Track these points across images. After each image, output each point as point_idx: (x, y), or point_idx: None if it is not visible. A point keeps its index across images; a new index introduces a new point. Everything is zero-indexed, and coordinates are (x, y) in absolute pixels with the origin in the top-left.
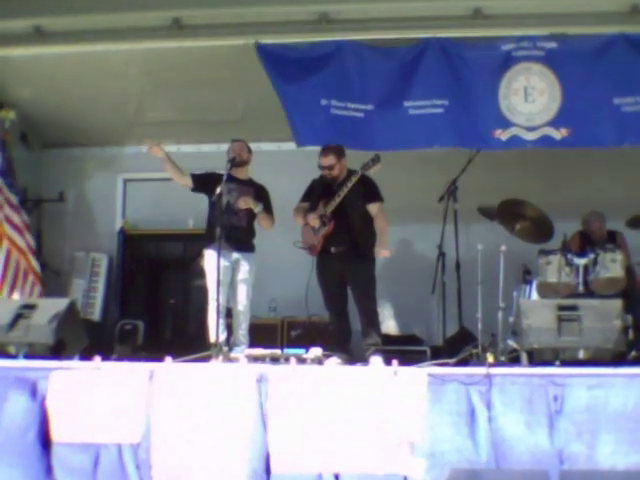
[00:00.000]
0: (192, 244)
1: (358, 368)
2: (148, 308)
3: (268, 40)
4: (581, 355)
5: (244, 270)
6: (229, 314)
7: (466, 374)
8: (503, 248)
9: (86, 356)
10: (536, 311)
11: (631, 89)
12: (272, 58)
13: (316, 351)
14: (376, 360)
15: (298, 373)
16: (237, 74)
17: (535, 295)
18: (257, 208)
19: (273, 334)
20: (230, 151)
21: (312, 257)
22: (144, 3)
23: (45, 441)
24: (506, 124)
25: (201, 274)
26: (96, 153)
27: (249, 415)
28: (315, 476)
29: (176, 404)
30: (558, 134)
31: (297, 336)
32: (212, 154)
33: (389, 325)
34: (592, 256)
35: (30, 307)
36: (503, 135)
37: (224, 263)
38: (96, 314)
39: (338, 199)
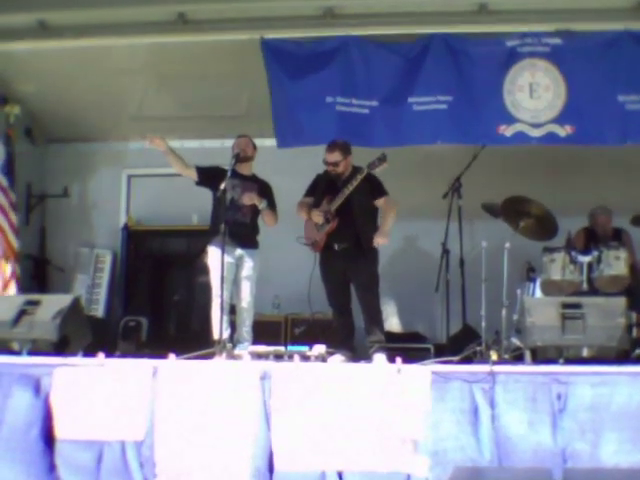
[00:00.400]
0: (196, 240)
1: (362, 365)
2: (152, 304)
3: (272, 35)
4: (585, 353)
5: (248, 267)
6: (233, 311)
7: (470, 372)
8: (507, 245)
9: (90, 353)
10: (540, 309)
11: (635, 86)
12: (276, 53)
13: (320, 348)
14: (380, 358)
15: (301, 370)
16: (241, 69)
17: (539, 293)
18: (261, 204)
19: (277, 331)
20: (235, 146)
21: (315, 254)
22: None
23: (48, 438)
24: (510, 120)
25: (205, 270)
26: (100, 148)
27: (252, 412)
28: (318, 474)
29: (179, 401)
30: (563, 131)
31: (301, 333)
32: (216, 150)
33: (392, 322)
34: (596, 254)
35: (34, 303)
36: (507, 131)
37: (228, 259)
38: (100, 310)
39: (343, 196)
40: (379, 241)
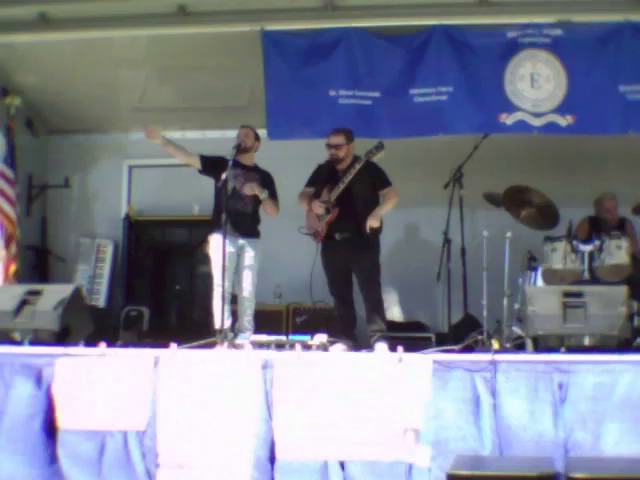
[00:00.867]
0: (197, 230)
1: (363, 355)
2: (153, 294)
3: (273, 27)
4: (586, 342)
5: (249, 256)
6: (234, 300)
7: (471, 361)
8: (509, 235)
9: (91, 342)
10: (541, 298)
11: (636, 77)
12: (277, 45)
13: (321, 337)
14: (381, 347)
15: (303, 360)
16: (243, 61)
17: (540, 282)
18: (263, 195)
19: (278, 320)
20: (237, 137)
21: (316, 243)
22: None
23: (50, 429)
24: (511, 108)
25: (206, 260)
26: (101, 139)
27: (254, 402)
28: (320, 464)
29: (181, 391)
30: (564, 121)
31: (302, 323)
32: (217, 140)
33: (394, 312)
34: (598, 243)
35: (35, 293)
36: (508, 119)
37: (229, 249)
38: (101, 300)
39: (342, 185)
40: (371, 223)
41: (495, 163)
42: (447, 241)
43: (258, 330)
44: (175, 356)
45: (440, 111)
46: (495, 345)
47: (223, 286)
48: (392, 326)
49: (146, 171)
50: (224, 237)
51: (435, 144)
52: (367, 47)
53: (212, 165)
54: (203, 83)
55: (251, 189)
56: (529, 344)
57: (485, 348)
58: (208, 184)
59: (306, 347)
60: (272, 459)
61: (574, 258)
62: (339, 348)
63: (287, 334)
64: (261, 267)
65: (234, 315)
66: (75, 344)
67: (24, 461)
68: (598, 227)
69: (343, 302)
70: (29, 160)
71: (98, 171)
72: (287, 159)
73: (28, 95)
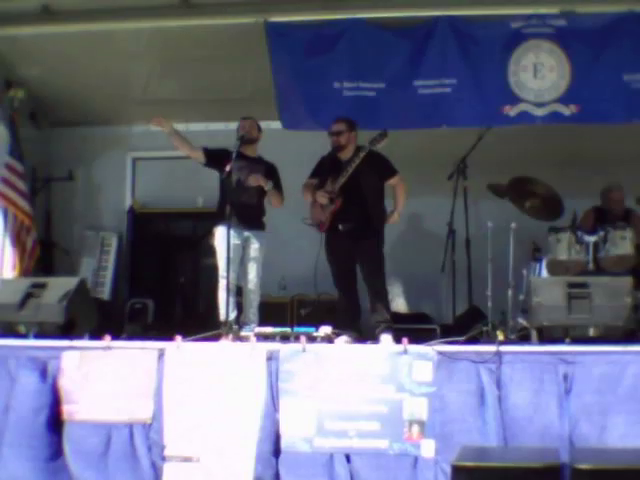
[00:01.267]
0: (201, 222)
1: (368, 346)
2: (158, 287)
3: (277, 18)
4: (591, 332)
5: (254, 248)
6: (239, 292)
7: (476, 352)
8: (513, 226)
9: (96, 335)
10: (546, 288)
11: None
12: (281, 36)
13: (326, 329)
14: (386, 338)
15: (308, 351)
16: (246, 52)
17: (545, 273)
18: (267, 186)
19: (283, 312)
20: (240, 129)
21: (321, 235)
22: None
23: (56, 422)
24: (515, 100)
25: (211, 252)
26: (105, 132)
27: (259, 394)
28: (326, 456)
29: (186, 383)
30: (567, 110)
31: (307, 314)
32: (221, 132)
33: (399, 303)
34: (602, 233)
35: (40, 286)
36: (512, 111)
37: (234, 241)
38: (106, 293)
39: (347, 174)
40: (393, 222)
41: (499, 154)
42: (451, 232)
43: (263, 322)
44: (180, 348)
45: (444, 103)
46: (500, 336)
47: (228, 278)
48: (396, 317)
49: (150, 163)
50: (229, 229)
51: (439, 135)
52: (371, 39)
53: (216, 158)
54: (206, 75)
55: (256, 180)
56: (534, 335)
57: (490, 339)
58: (212, 176)
59: (311, 339)
60: (277, 452)
61: (579, 249)
62: (344, 340)
63: (292, 326)
64: (266, 259)
65: (239, 307)
66: (80, 337)
67: (30, 455)
68: (603, 218)
69: (347, 294)
70: (33, 153)
71: (102, 164)
72: (291, 151)
73: (31, 88)
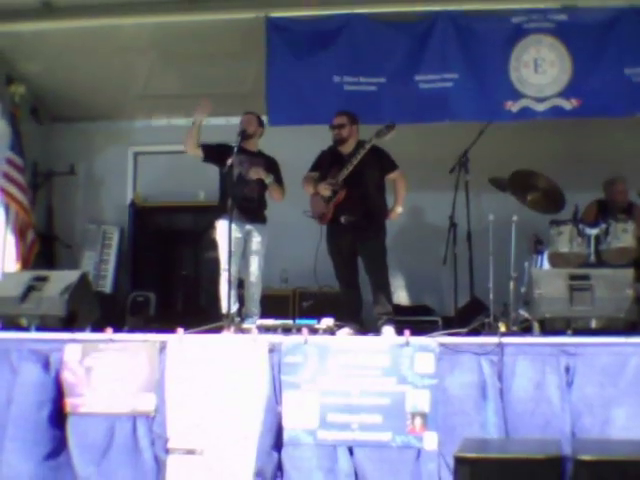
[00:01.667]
0: (203, 216)
1: (370, 338)
2: (160, 280)
3: (278, 14)
4: (593, 324)
5: (256, 241)
6: (241, 285)
7: (478, 344)
8: (515, 219)
9: (98, 328)
10: (548, 280)
11: None
12: (282, 32)
13: (328, 321)
14: (388, 330)
15: (310, 344)
16: (247, 48)
17: (547, 265)
18: (268, 179)
19: (284, 305)
20: (241, 123)
21: (322, 227)
22: None
23: (59, 416)
24: (517, 95)
25: (213, 246)
26: (106, 127)
27: (261, 386)
28: (329, 449)
29: (188, 376)
30: (568, 104)
31: (308, 307)
32: (222, 127)
33: (400, 296)
34: (604, 226)
35: (42, 279)
36: (514, 107)
37: (236, 234)
38: (108, 286)
39: (351, 167)
40: (394, 217)
41: (501, 148)
42: (453, 225)
43: (264, 315)
44: (182, 341)
45: (445, 98)
46: (502, 328)
47: (229, 271)
48: (398, 310)
49: (151, 158)
50: (230, 222)
51: (441, 129)
52: (371, 33)
53: (215, 153)
54: (208, 70)
55: (256, 173)
56: (536, 327)
57: (492, 331)
58: (213, 170)
59: (313, 331)
60: (280, 445)
61: (580, 242)
62: (345, 332)
63: (293, 318)
64: (267, 252)
65: (241, 300)
66: (82, 330)
67: (33, 449)
68: (605, 211)
69: (349, 286)
70: (34, 148)
71: (103, 158)
72: (291, 145)
73: (33, 83)
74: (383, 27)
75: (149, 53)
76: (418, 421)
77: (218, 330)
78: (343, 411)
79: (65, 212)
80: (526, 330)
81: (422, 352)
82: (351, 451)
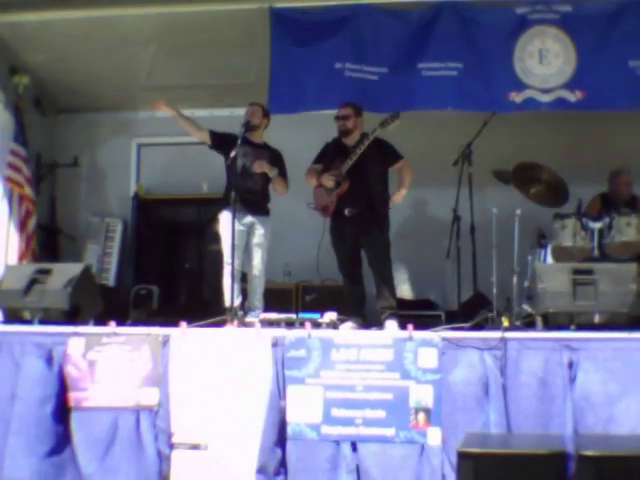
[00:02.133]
0: (206, 209)
1: (373, 332)
2: (163, 273)
3: (282, 4)
4: (596, 319)
5: (259, 234)
6: (244, 279)
7: (481, 338)
8: (518, 212)
9: (101, 321)
10: (551, 275)
11: None
12: (285, 22)
13: (331, 315)
14: (391, 324)
15: (313, 338)
16: (251, 38)
17: (550, 259)
18: (272, 172)
19: (288, 299)
20: (245, 114)
21: (325, 220)
22: None
23: (62, 411)
24: (521, 86)
25: (216, 238)
26: (110, 118)
27: (264, 380)
28: (332, 444)
29: (191, 369)
30: (573, 97)
31: (311, 300)
32: (226, 119)
33: (403, 289)
34: (607, 220)
35: (45, 272)
36: (518, 97)
37: (239, 227)
38: (111, 279)
39: (354, 157)
40: (396, 200)
41: (505, 140)
42: (456, 218)
43: (267, 308)
44: (185, 335)
45: (449, 85)
46: (505, 323)
47: (233, 264)
48: (401, 304)
49: (155, 149)
50: (234, 215)
51: (444, 121)
52: (375, 23)
53: (222, 141)
54: (212, 61)
55: (261, 167)
56: (539, 322)
57: (495, 326)
58: (217, 162)
59: (316, 325)
60: (283, 440)
61: (584, 235)
62: (349, 326)
63: (297, 312)
64: (271, 245)
65: (244, 293)
66: (85, 323)
67: (36, 445)
68: (609, 205)
69: (353, 279)
70: (38, 139)
71: (107, 150)
72: (295, 137)
73: (36, 74)
74: (387, 18)
75: (153, 44)
76: (421, 416)
77: (221, 324)
78: (347, 406)
79: (68, 204)
80: (529, 325)
81: (425, 347)
82: (355, 446)
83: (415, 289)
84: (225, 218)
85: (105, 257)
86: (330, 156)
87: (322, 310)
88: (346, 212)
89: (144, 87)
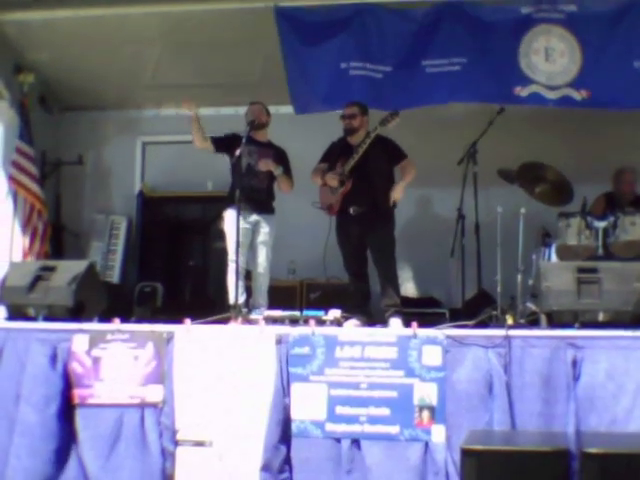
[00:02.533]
0: (211, 206)
1: (377, 330)
2: (167, 270)
3: (286, 3)
4: (601, 317)
5: (264, 232)
6: (248, 276)
7: (485, 336)
8: (523, 211)
9: (105, 318)
10: (555, 273)
11: None
12: (290, 21)
13: (335, 313)
14: (395, 322)
15: (317, 335)
16: (255, 37)
17: (554, 258)
18: (277, 171)
19: (292, 296)
20: (249, 114)
21: (331, 219)
22: None
23: (67, 409)
24: (526, 81)
25: (221, 236)
26: (115, 116)
27: (268, 377)
28: (337, 441)
29: (196, 366)
30: (578, 95)
31: (316, 298)
32: (231, 117)
33: (408, 287)
34: (612, 219)
35: (49, 269)
36: (523, 92)
37: (244, 225)
38: (115, 276)
39: (357, 156)
40: (394, 196)
41: (510, 139)
42: (461, 217)
43: (272, 306)
44: (189, 332)
45: (452, 79)
46: (509, 321)
47: (237, 262)
48: (406, 302)
49: (160, 147)
50: (238, 213)
51: (449, 120)
52: (380, 22)
53: (225, 144)
54: (216, 59)
55: (266, 165)
56: (543, 320)
57: (499, 324)
58: (222, 160)
59: (320, 322)
60: (287, 437)
61: (588, 234)
62: (353, 323)
63: (301, 309)
64: (275, 243)
65: (248, 291)
66: (89, 320)
67: (41, 445)
68: (614, 204)
69: (357, 277)
70: (43, 137)
71: (112, 148)
72: (300, 135)
73: (41, 72)
74: (391, 16)
75: (158, 42)
76: (426, 414)
77: (225, 321)
78: (351, 404)
79: (73, 202)
80: (533, 323)
81: (429, 344)
82: (359, 444)
83: (419, 287)
84: (230, 216)
85: (110, 254)
86: (335, 155)
87: (326, 308)
88: (351, 211)
89: (149, 85)
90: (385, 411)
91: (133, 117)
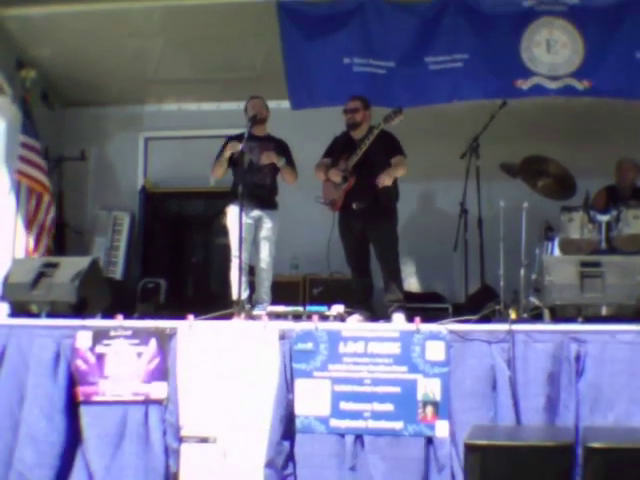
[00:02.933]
0: (213, 202)
1: (380, 325)
2: (170, 266)
3: None
4: (604, 311)
5: (267, 227)
6: (251, 272)
7: (488, 331)
8: (525, 205)
9: (108, 314)
10: (558, 267)
11: None
12: (292, 15)
13: (338, 308)
14: (398, 317)
15: (320, 330)
16: (257, 31)
17: (557, 252)
18: (280, 162)
19: (295, 291)
20: (249, 108)
21: (334, 214)
22: None
23: (71, 409)
24: (528, 74)
25: (224, 232)
26: (117, 112)
27: (272, 373)
28: (341, 437)
29: (199, 362)
30: (580, 85)
31: (319, 293)
32: (232, 112)
33: (411, 282)
34: (615, 213)
35: (52, 265)
36: (525, 84)
37: (247, 220)
38: (118, 272)
39: (360, 152)
40: (383, 181)
41: (512, 133)
42: (464, 211)
43: (275, 301)
44: (192, 328)
45: (455, 77)
46: (512, 315)
47: (240, 257)
48: (409, 297)
49: (162, 143)
50: (241, 209)
51: (452, 114)
52: (382, 16)
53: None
54: (218, 54)
55: (268, 157)
56: (546, 314)
57: (502, 318)
58: None
59: (323, 318)
60: (291, 433)
61: (591, 228)
62: (356, 319)
63: (304, 305)
64: (278, 238)
65: (251, 286)
66: (92, 316)
67: (46, 447)
68: (615, 197)
69: (360, 272)
70: (45, 133)
71: (114, 143)
72: (303, 130)
73: (43, 68)
74: (394, 10)
75: (160, 37)
76: (429, 409)
77: (228, 317)
78: (355, 399)
79: (76, 198)
80: (536, 317)
81: (433, 340)
82: (363, 439)
83: (422, 282)
84: (233, 211)
85: (112, 250)
86: (339, 150)
87: (329, 303)
88: (354, 206)
89: (151, 80)
90: (389, 407)
91: (135, 112)
